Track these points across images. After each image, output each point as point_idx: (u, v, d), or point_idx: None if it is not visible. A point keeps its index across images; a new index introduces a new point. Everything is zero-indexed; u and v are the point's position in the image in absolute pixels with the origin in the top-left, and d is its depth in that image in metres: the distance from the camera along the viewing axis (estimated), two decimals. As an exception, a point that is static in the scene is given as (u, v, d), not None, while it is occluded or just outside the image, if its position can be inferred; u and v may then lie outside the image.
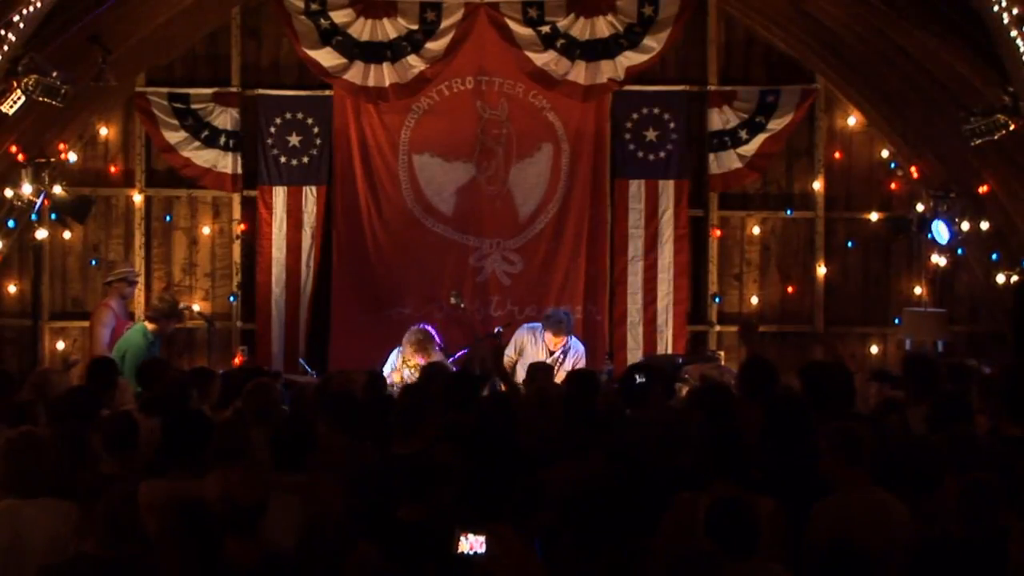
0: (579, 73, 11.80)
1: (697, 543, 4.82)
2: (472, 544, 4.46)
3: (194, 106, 11.88)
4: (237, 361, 11.05)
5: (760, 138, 11.93)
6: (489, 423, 6.38)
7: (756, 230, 12.26)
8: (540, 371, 8.81)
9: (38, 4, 8.68)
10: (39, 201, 10.89)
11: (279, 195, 11.93)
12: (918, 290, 12.07)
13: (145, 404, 7.03)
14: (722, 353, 11.46)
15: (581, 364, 10.32)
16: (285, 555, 4.71)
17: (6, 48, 8.70)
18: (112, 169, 12.11)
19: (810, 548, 5.17)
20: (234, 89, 11.95)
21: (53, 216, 11.60)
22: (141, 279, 11.89)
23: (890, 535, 5.08)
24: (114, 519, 4.62)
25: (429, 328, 10.46)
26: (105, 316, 10.74)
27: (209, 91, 11.91)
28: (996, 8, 8.38)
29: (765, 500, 5.29)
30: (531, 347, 10.56)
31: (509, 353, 10.74)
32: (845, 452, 5.37)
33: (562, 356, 10.45)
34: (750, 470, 5.39)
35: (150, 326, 9.87)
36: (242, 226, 12.09)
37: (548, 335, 10.41)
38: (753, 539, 4.69)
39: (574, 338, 10.70)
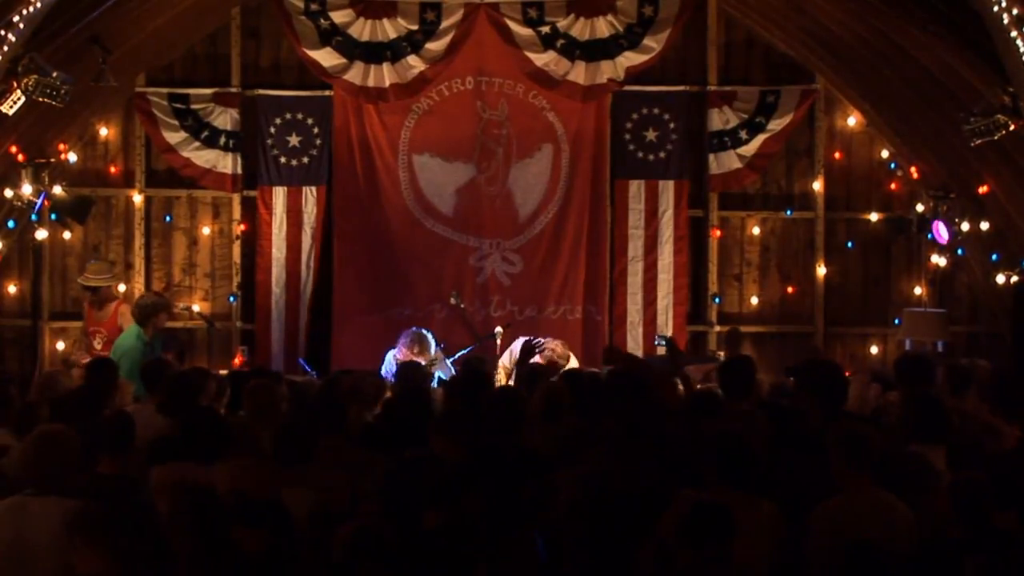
0: (579, 73, 11.80)
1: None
2: None
3: (194, 106, 11.87)
4: (237, 361, 11.05)
5: (760, 138, 11.93)
6: (496, 422, 6.38)
7: (756, 230, 12.26)
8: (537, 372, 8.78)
9: (38, 4, 8.67)
10: (39, 201, 10.89)
11: (279, 195, 11.93)
12: (918, 290, 12.07)
13: (161, 406, 7.08)
14: (721, 354, 11.45)
15: None
16: (292, 543, 4.72)
17: (6, 48, 8.68)
18: (112, 169, 12.12)
19: (815, 550, 5.17)
20: (234, 89, 11.95)
21: (53, 216, 11.59)
22: (140, 279, 11.90)
23: (894, 537, 5.07)
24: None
25: (425, 331, 10.47)
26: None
27: (209, 91, 11.91)
28: (996, 8, 8.36)
29: (767, 503, 5.29)
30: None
31: (504, 363, 10.63)
32: (849, 454, 5.37)
33: None
34: (753, 474, 5.38)
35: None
36: (242, 226, 12.09)
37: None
38: (729, 544, 4.65)
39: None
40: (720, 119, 11.97)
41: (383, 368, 10.29)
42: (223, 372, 9.71)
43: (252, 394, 7.04)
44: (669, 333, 11.76)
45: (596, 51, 11.78)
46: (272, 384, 7.34)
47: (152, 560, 4.40)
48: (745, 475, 5.32)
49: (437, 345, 10.62)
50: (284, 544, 4.63)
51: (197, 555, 4.58)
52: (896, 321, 11.94)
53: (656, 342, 11.41)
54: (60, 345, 11.99)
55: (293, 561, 4.63)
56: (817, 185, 12.17)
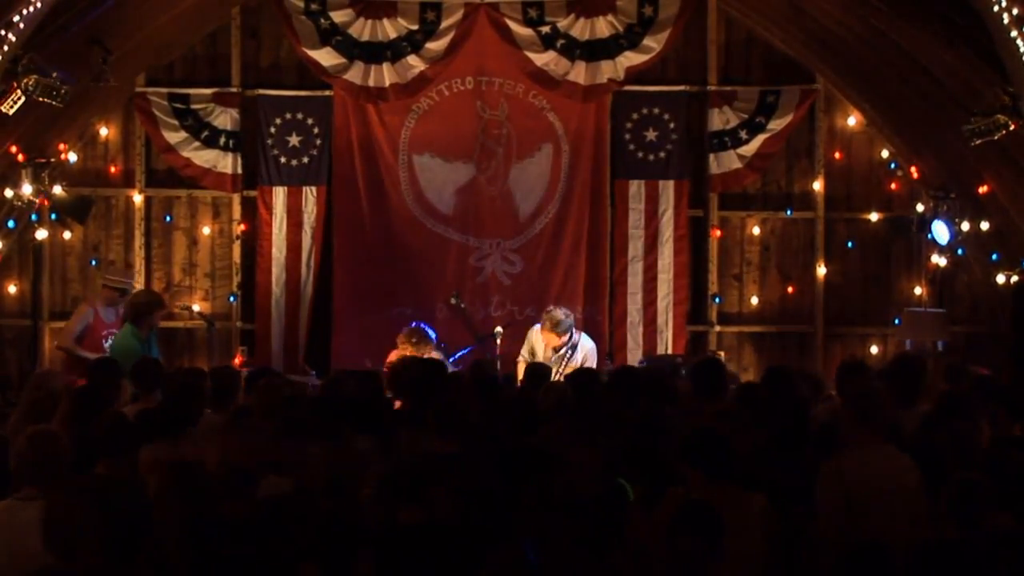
0: (579, 73, 11.80)
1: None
2: None
3: (194, 106, 11.88)
4: (237, 361, 11.05)
5: (760, 138, 11.93)
6: (510, 421, 6.40)
7: (756, 230, 12.26)
8: (538, 374, 8.81)
9: (38, 4, 8.68)
10: (39, 201, 10.89)
11: (279, 195, 11.93)
12: (918, 290, 12.07)
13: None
14: (722, 353, 11.47)
15: (591, 361, 10.32)
16: (279, 503, 4.71)
17: (6, 48, 8.70)
18: (112, 169, 12.12)
19: (822, 503, 5.19)
20: (234, 89, 11.96)
21: (53, 216, 11.61)
22: (141, 280, 11.90)
23: (900, 491, 5.10)
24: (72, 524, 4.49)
25: (424, 326, 10.49)
26: (82, 310, 10.45)
27: (209, 91, 11.91)
28: (996, 8, 8.37)
29: (757, 497, 5.30)
30: (540, 346, 10.56)
31: (523, 355, 10.71)
32: (859, 409, 5.41)
33: (570, 352, 10.41)
34: (739, 469, 5.37)
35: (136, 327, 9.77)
36: (242, 226, 12.10)
37: (545, 333, 10.41)
38: (720, 541, 4.66)
39: (584, 335, 10.68)
40: (720, 119, 11.96)
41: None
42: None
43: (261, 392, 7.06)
44: (669, 333, 11.80)
45: (596, 51, 11.78)
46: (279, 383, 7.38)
47: (143, 537, 4.35)
48: (732, 470, 5.31)
49: (439, 344, 10.63)
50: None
51: (185, 529, 4.56)
52: (896, 321, 11.93)
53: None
54: (60, 345, 11.98)
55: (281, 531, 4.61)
56: (817, 185, 12.16)
